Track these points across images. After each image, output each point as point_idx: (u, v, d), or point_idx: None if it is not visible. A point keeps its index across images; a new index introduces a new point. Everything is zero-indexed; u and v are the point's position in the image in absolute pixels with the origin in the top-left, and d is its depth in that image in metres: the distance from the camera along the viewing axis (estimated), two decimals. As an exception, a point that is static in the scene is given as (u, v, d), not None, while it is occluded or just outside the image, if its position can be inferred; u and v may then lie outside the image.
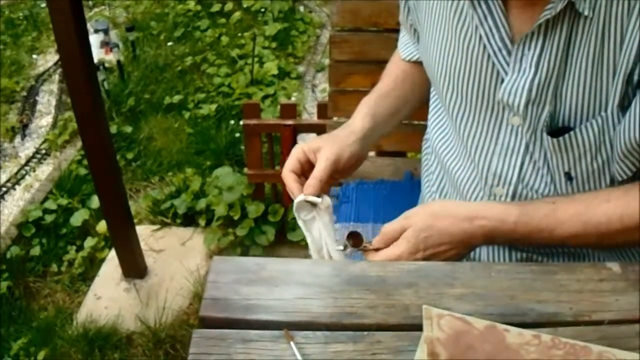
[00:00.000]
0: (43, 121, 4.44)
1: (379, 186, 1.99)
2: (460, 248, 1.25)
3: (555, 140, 1.23)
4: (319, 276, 1.11)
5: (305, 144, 1.40)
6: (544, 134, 1.24)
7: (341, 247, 1.30)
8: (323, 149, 1.37)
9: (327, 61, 4.78)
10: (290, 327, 1.01)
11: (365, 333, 1.01)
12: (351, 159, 1.40)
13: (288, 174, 1.37)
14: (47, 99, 4.66)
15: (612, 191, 1.25)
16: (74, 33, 2.20)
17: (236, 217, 3.13)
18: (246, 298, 1.06)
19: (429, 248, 1.24)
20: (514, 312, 1.05)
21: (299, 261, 1.22)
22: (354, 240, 1.29)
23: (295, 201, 1.34)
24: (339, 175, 1.44)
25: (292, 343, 0.98)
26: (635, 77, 1.15)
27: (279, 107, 3.99)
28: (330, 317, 1.03)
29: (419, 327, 0.97)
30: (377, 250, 1.27)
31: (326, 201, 1.34)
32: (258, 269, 1.11)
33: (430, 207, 1.32)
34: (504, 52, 1.24)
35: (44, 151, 4.14)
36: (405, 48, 1.61)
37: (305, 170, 1.39)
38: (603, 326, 1.04)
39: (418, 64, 1.59)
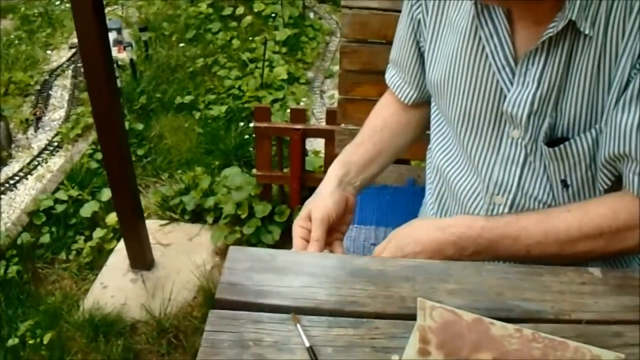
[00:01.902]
0: (56, 115, 4.53)
1: (382, 191, 2.08)
2: (434, 257, 1.31)
3: (552, 149, 1.31)
4: (325, 268, 1.21)
5: (299, 217, 1.48)
6: (543, 144, 1.32)
7: None
8: (312, 212, 1.45)
9: (335, 68, 4.86)
10: (297, 311, 1.10)
11: (365, 320, 1.10)
12: (338, 206, 1.48)
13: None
14: (60, 93, 4.76)
15: (572, 204, 1.35)
16: (95, 28, 2.30)
17: (243, 216, 3.21)
18: (258, 284, 1.15)
19: (407, 256, 1.31)
20: (500, 308, 1.13)
21: (307, 254, 1.33)
22: None
23: None
24: (340, 224, 1.51)
25: (298, 326, 1.07)
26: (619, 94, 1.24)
27: (287, 111, 4.08)
28: (333, 304, 1.12)
29: (413, 317, 1.06)
30: None
31: None
32: (270, 258, 1.21)
33: (410, 222, 1.41)
34: (507, 69, 1.32)
35: (56, 143, 4.23)
36: (400, 91, 1.66)
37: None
38: (581, 325, 1.11)
39: (405, 108, 1.66)
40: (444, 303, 1.11)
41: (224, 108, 4.35)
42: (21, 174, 3.98)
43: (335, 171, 1.55)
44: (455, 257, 1.31)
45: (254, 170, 3.28)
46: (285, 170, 3.26)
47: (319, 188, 1.53)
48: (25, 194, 3.82)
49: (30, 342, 2.90)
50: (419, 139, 1.74)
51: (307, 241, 1.43)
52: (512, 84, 1.32)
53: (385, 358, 1.04)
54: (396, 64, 1.65)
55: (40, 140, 4.30)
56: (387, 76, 1.70)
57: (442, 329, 1.06)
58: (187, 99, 4.47)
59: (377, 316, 1.11)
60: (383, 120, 1.67)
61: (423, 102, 1.64)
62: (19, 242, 3.40)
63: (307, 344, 1.04)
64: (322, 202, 1.46)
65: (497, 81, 1.34)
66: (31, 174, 3.98)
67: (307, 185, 3.21)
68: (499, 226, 1.31)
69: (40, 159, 4.11)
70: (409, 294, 1.15)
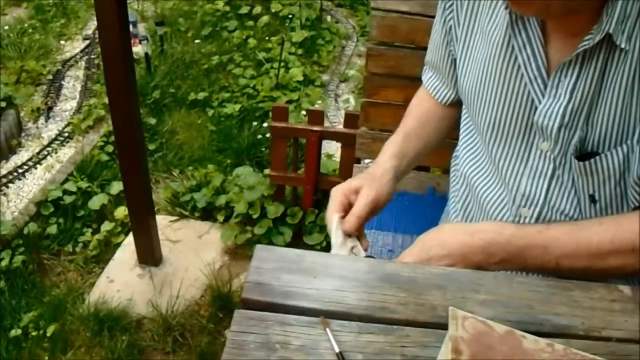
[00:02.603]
0: (67, 105, 4.52)
1: (401, 197, 2.06)
2: (460, 263, 1.30)
3: (582, 163, 1.29)
4: (355, 271, 1.19)
5: (345, 185, 1.46)
6: (572, 158, 1.30)
7: None
8: (363, 188, 1.44)
9: (351, 72, 4.85)
10: (326, 315, 1.08)
11: (395, 327, 1.08)
12: (388, 198, 1.47)
13: (333, 217, 1.44)
14: (73, 84, 4.75)
15: (604, 217, 1.33)
16: (116, 19, 2.34)
17: (255, 216, 3.18)
18: (286, 285, 1.13)
19: (432, 259, 1.30)
20: (531, 321, 1.12)
21: (337, 256, 1.30)
22: None
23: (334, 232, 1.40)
24: (374, 214, 1.49)
25: (327, 330, 1.05)
26: None
27: (301, 113, 4.06)
28: (364, 310, 1.10)
29: (444, 326, 1.04)
30: None
31: (359, 251, 1.41)
32: (298, 259, 1.19)
33: (438, 226, 1.41)
34: (539, 80, 1.30)
35: (66, 134, 4.22)
36: (438, 92, 1.66)
37: (347, 211, 1.45)
38: (611, 342, 1.10)
39: (441, 106, 1.66)
40: (476, 313, 1.09)
41: (237, 107, 4.34)
42: (30, 163, 3.96)
43: (391, 162, 1.54)
44: (481, 264, 1.29)
45: (267, 171, 3.26)
46: (299, 171, 3.25)
47: (372, 170, 1.52)
48: (33, 184, 3.81)
49: (33, 333, 2.89)
50: (441, 146, 1.72)
51: (345, 211, 1.43)
52: (543, 95, 1.30)
53: (417, 367, 1.02)
54: (432, 65, 1.65)
55: (50, 130, 4.29)
56: (424, 78, 1.70)
57: (474, 340, 1.03)
58: (201, 95, 4.47)
59: (408, 324, 1.09)
60: (427, 112, 1.68)
61: (457, 102, 1.63)
62: (25, 231, 3.38)
63: (337, 349, 1.02)
64: (378, 185, 1.46)
65: (529, 92, 1.32)
66: (40, 164, 3.96)
67: (321, 188, 3.19)
68: (529, 234, 1.29)
69: (50, 149, 4.09)
70: (440, 302, 1.13)
